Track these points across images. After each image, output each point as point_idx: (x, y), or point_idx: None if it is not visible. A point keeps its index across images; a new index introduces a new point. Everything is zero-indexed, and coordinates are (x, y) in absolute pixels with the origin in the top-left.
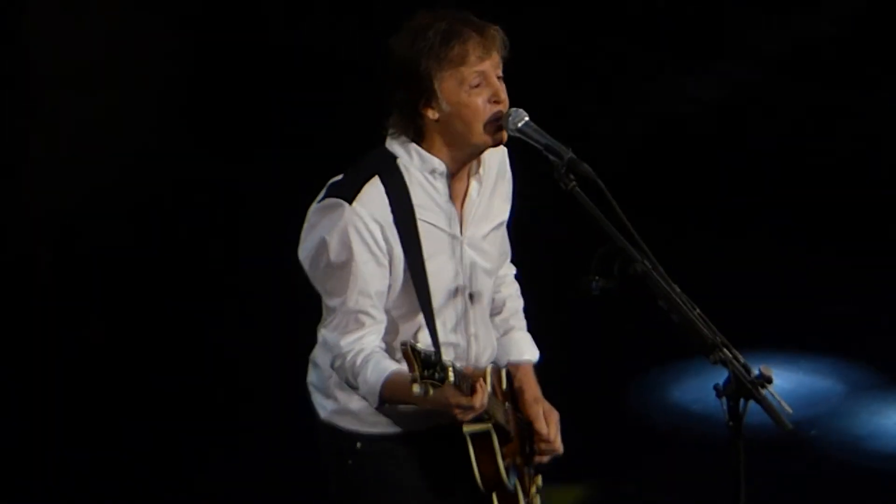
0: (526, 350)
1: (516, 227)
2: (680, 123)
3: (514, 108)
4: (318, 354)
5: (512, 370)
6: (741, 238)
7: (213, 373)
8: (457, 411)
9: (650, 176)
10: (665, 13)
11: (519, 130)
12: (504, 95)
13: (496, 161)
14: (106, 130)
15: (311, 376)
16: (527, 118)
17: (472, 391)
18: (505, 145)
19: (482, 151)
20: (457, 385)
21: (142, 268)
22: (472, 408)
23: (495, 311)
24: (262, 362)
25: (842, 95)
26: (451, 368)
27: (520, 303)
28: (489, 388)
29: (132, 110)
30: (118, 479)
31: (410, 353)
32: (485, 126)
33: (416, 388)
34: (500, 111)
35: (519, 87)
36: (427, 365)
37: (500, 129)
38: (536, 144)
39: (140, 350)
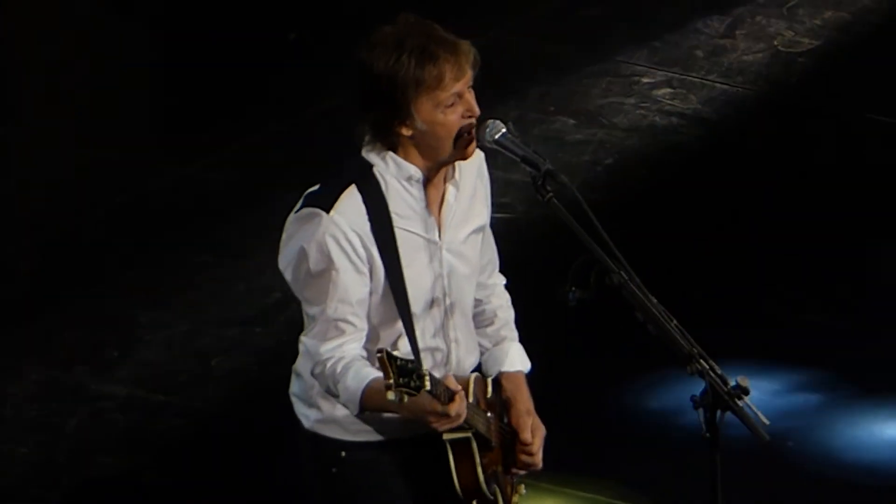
0: (517, 360)
1: (504, 234)
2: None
3: (491, 120)
4: (301, 364)
5: (503, 380)
6: (718, 248)
7: (191, 377)
8: (433, 419)
9: (626, 187)
10: None
11: (496, 142)
12: (476, 109)
13: (475, 165)
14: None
15: (294, 387)
16: (503, 130)
17: (450, 400)
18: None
19: (453, 162)
20: (433, 394)
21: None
22: (448, 416)
23: (486, 322)
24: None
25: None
26: (427, 377)
27: (511, 313)
28: (472, 397)
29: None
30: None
31: (386, 360)
32: (456, 141)
33: (391, 396)
34: (470, 125)
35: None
36: (403, 373)
37: (470, 142)
38: (513, 156)
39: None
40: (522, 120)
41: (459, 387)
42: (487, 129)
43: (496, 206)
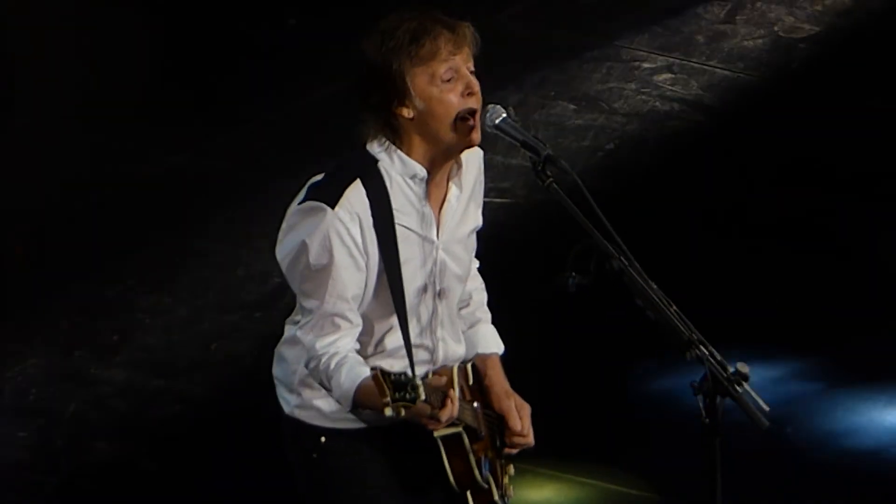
0: (492, 343)
1: (504, 220)
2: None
3: (491, 105)
4: (285, 349)
5: (479, 363)
6: (719, 234)
7: (191, 366)
8: (427, 421)
9: (626, 172)
10: None
11: (496, 127)
12: (477, 88)
13: (475, 166)
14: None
15: (276, 369)
16: (504, 114)
17: (443, 405)
18: (481, 146)
19: (458, 152)
20: (427, 401)
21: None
22: (440, 420)
23: (462, 303)
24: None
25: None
26: (420, 387)
27: (484, 296)
28: (457, 389)
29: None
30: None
31: (381, 378)
32: (457, 122)
33: (389, 412)
34: (473, 108)
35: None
36: (398, 387)
37: (472, 128)
38: (513, 141)
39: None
40: (523, 105)
41: (453, 392)
42: (488, 114)
43: (496, 190)
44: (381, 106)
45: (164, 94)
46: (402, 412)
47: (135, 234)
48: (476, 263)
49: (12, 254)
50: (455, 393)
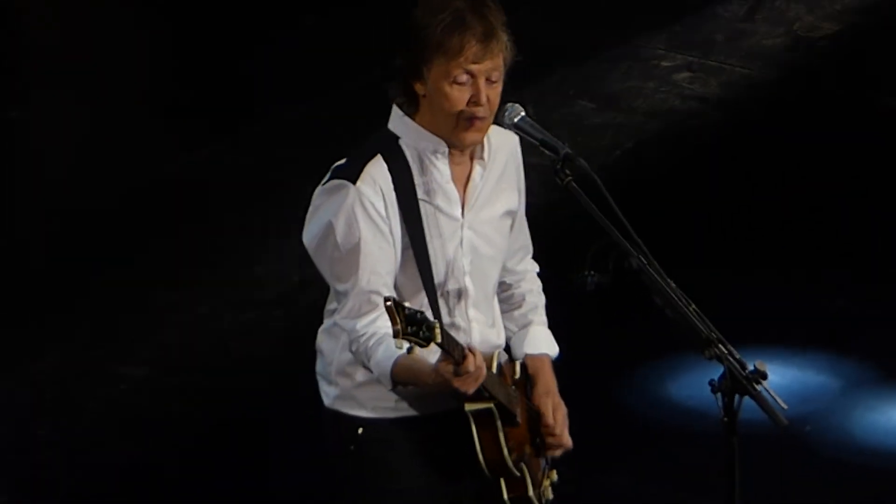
0: (543, 343)
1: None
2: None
3: (510, 104)
4: (323, 341)
5: (528, 363)
6: (736, 232)
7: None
8: (455, 380)
9: (645, 171)
10: None
11: (514, 125)
12: (485, 100)
13: (507, 147)
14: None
15: (318, 365)
16: (522, 113)
17: (464, 357)
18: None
19: (455, 146)
20: (445, 347)
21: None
22: (468, 373)
23: (514, 305)
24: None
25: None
26: (437, 328)
27: (541, 299)
28: (495, 368)
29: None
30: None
31: (394, 308)
32: (458, 121)
33: (399, 344)
34: (476, 115)
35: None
36: (411, 322)
37: (467, 128)
38: (532, 139)
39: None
40: (541, 103)
41: (474, 346)
42: (506, 112)
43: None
44: (400, 71)
45: (184, 92)
46: (415, 350)
47: (154, 231)
48: (535, 267)
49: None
50: (475, 348)
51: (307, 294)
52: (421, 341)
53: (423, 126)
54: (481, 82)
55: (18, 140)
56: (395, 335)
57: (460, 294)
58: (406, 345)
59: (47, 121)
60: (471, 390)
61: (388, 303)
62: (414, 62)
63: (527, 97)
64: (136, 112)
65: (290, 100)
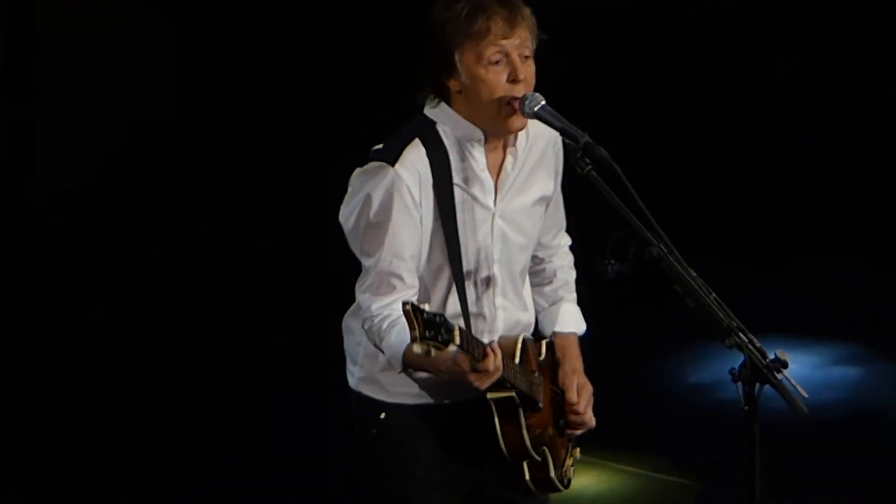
0: (571, 322)
1: None
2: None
3: (529, 93)
4: (351, 319)
5: (556, 341)
6: (756, 221)
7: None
8: (472, 377)
9: (661, 154)
10: None
11: (535, 114)
12: (523, 76)
13: (546, 135)
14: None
15: (345, 342)
16: (543, 102)
17: (484, 356)
18: None
19: (499, 134)
20: (466, 349)
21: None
22: (487, 371)
23: (546, 280)
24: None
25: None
26: (456, 331)
27: (571, 274)
28: (518, 358)
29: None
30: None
31: (411, 312)
32: (500, 107)
33: (417, 348)
34: (515, 96)
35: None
36: (430, 325)
37: (512, 112)
38: (552, 128)
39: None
40: None
41: (495, 344)
42: (527, 101)
43: None
44: (432, 73)
45: (211, 71)
46: (433, 353)
47: (173, 212)
48: (567, 240)
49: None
50: (497, 347)
51: (333, 281)
52: (439, 344)
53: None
54: (515, 58)
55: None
56: (413, 340)
57: (489, 282)
58: (420, 348)
59: (77, 99)
60: (484, 387)
61: (406, 307)
62: (443, 57)
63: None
64: (161, 92)
65: (324, 82)
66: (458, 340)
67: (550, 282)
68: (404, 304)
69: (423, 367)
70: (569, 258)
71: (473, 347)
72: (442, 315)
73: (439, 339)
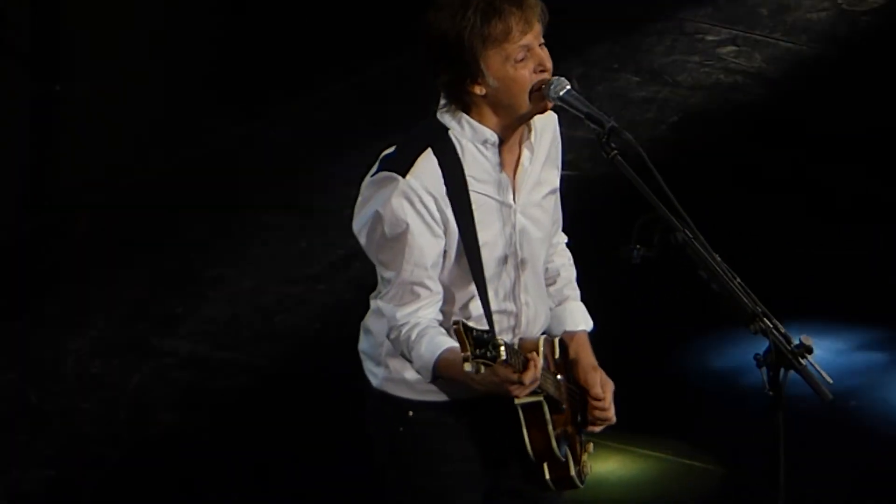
0: (581, 320)
1: (568, 192)
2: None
3: (555, 77)
4: (371, 322)
5: (567, 340)
6: (781, 206)
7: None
8: (510, 387)
9: (690, 144)
10: None
11: (560, 99)
12: (549, 63)
13: (550, 127)
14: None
15: (363, 343)
16: (568, 87)
17: (525, 368)
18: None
19: (531, 118)
20: (508, 363)
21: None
22: (524, 384)
23: (549, 280)
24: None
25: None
26: (502, 346)
27: (573, 272)
28: (541, 359)
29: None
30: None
31: (463, 332)
32: (530, 95)
33: (468, 367)
34: (544, 80)
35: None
36: (479, 343)
37: (543, 98)
38: (578, 113)
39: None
40: (586, 77)
41: (535, 354)
42: (552, 86)
43: (562, 163)
44: (453, 83)
45: (230, 65)
46: (482, 370)
47: (198, 204)
48: (564, 238)
49: (76, 224)
50: (538, 357)
51: (352, 268)
52: (489, 361)
53: (479, 121)
54: (538, 49)
55: (63, 113)
56: (465, 360)
57: (513, 280)
58: (472, 367)
59: (88, 95)
60: (521, 396)
61: (456, 326)
62: (468, 66)
63: (572, 71)
64: (181, 85)
65: (337, 75)
66: (503, 356)
67: (554, 281)
68: (455, 322)
69: (454, 377)
70: (568, 255)
71: (515, 359)
72: (489, 331)
73: (488, 356)
